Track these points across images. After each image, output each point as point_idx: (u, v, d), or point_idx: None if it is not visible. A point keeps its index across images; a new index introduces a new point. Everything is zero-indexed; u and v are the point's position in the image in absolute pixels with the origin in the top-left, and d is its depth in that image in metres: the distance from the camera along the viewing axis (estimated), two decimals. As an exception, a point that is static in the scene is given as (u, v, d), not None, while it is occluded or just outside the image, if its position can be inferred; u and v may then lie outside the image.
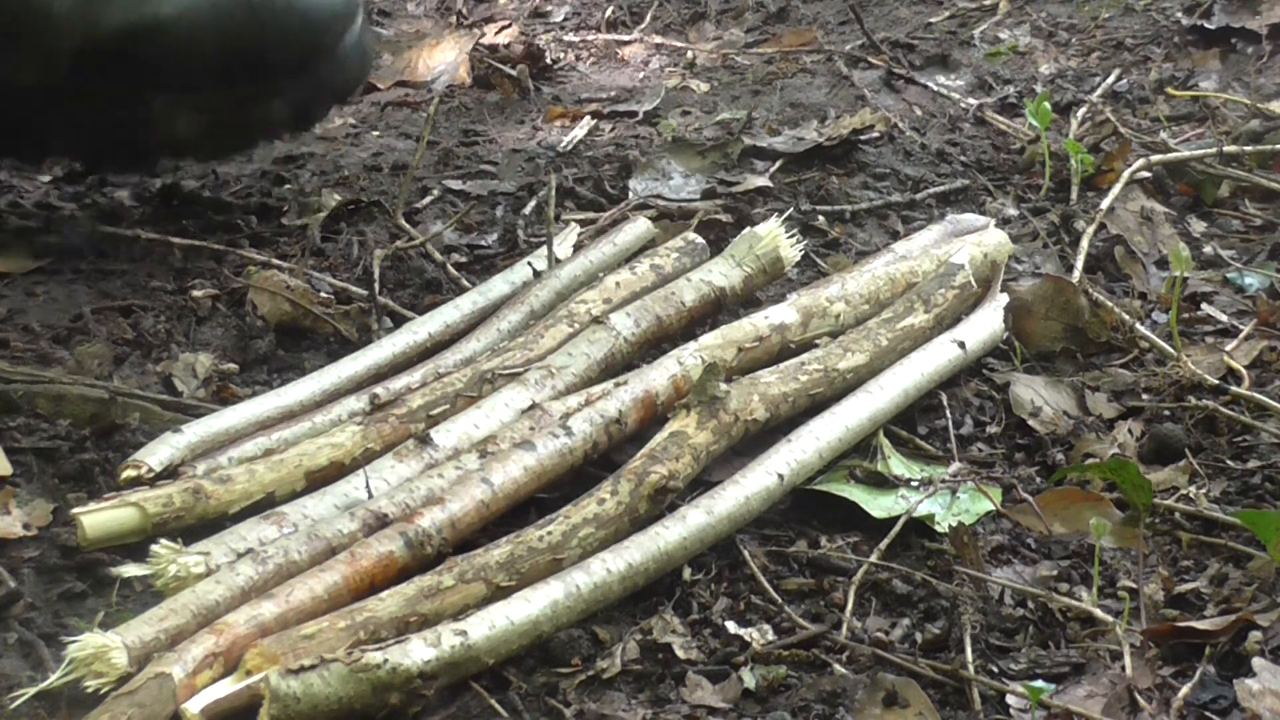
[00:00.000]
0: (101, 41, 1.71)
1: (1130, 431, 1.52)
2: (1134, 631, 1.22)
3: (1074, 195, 1.99)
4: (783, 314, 1.58)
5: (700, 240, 1.74)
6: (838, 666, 1.20)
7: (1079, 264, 1.79)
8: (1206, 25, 2.48)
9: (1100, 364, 1.65)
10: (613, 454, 1.42)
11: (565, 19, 2.88)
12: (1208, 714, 1.15)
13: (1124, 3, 2.66)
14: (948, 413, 1.54)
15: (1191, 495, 1.42)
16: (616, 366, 1.54)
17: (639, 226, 1.81)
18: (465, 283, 1.78)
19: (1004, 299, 1.65)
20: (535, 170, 2.11)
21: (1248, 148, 2.05)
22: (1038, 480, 1.46)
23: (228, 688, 1.12)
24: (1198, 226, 1.95)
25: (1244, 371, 1.60)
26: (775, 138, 2.18)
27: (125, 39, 1.67)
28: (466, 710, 1.17)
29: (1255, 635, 1.20)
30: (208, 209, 1.98)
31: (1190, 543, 1.36)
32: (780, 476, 1.37)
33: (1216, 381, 1.57)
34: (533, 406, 1.45)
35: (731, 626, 1.25)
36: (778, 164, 2.10)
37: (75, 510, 1.29)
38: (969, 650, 1.21)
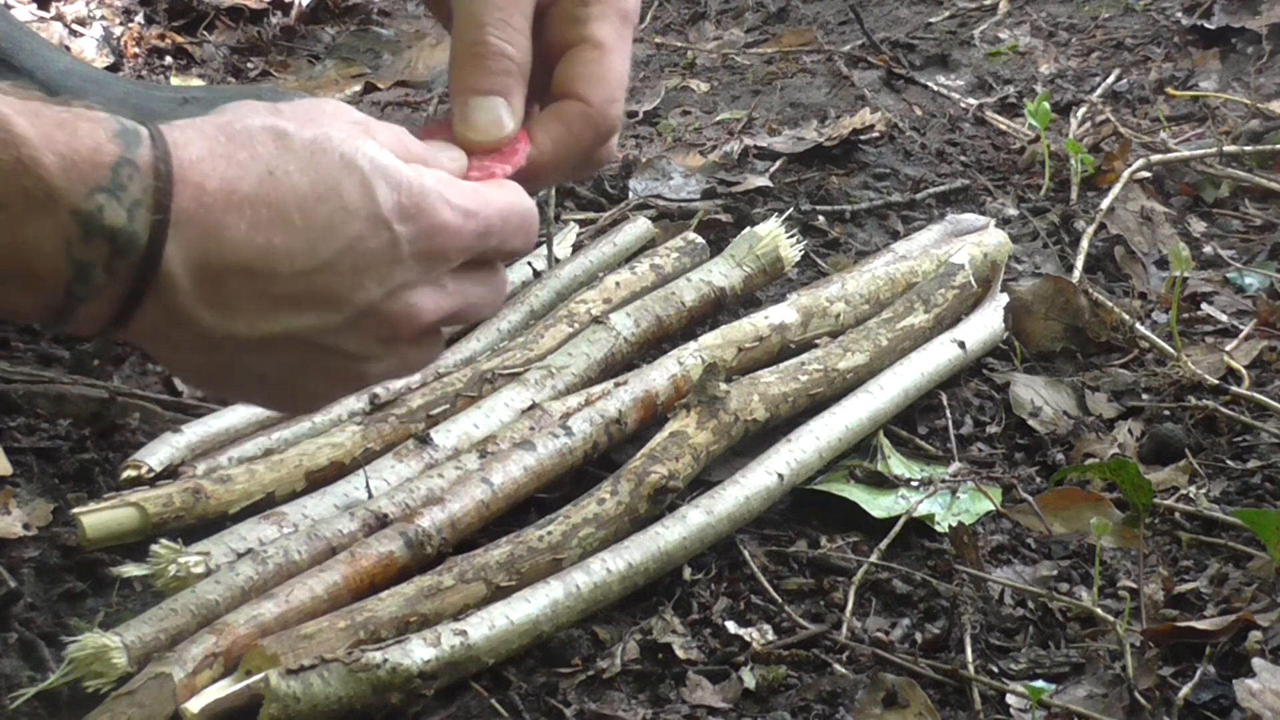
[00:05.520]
0: None
1: (1130, 431, 1.52)
2: (1134, 631, 1.22)
3: (1074, 195, 1.98)
4: (783, 314, 1.58)
5: (700, 240, 1.74)
6: (838, 666, 1.20)
7: (1079, 264, 1.78)
8: (1206, 25, 2.48)
9: (1100, 364, 1.64)
10: (613, 454, 1.42)
11: (565, 19, 2.88)
12: (1208, 714, 1.15)
13: (1124, 3, 2.66)
14: (948, 413, 1.54)
15: (1191, 495, 1.42)
16: (616, 366, 1.54)
17: (639, 226, 1.81)
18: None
19: (1004, 299, 1.65)
20: (535, 170, 2.11)
21: (1248, 148, 2.05)
22: (1038, 480, 1.46)
23: (228, 688, 1.12)
24: (1198, 226, 1.95)
25: (1244, 371, 1.60)
26: (775, 138, 2.18)
27: None
28: (466, 710, 1.17)
29: (1255, 635, 1.20)
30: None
31: (1190, 543, 1.36)
32: (780, 476, 1.37)
33: (1216, 381, 1.57)
34: (533, 406, 1.44)
35: (731, 626, 1.25)
36: (778, 164, 2.10)
37: (75, 510, 1.29)
38: (969, 650, 1.21)
